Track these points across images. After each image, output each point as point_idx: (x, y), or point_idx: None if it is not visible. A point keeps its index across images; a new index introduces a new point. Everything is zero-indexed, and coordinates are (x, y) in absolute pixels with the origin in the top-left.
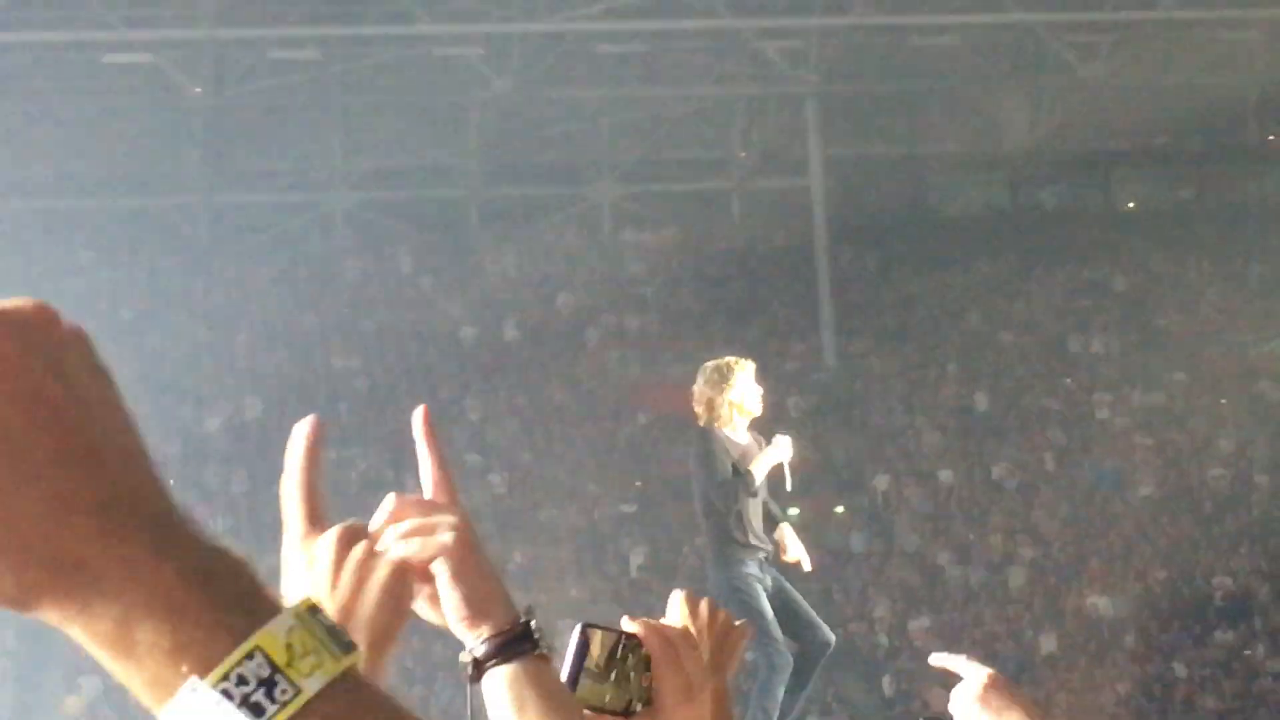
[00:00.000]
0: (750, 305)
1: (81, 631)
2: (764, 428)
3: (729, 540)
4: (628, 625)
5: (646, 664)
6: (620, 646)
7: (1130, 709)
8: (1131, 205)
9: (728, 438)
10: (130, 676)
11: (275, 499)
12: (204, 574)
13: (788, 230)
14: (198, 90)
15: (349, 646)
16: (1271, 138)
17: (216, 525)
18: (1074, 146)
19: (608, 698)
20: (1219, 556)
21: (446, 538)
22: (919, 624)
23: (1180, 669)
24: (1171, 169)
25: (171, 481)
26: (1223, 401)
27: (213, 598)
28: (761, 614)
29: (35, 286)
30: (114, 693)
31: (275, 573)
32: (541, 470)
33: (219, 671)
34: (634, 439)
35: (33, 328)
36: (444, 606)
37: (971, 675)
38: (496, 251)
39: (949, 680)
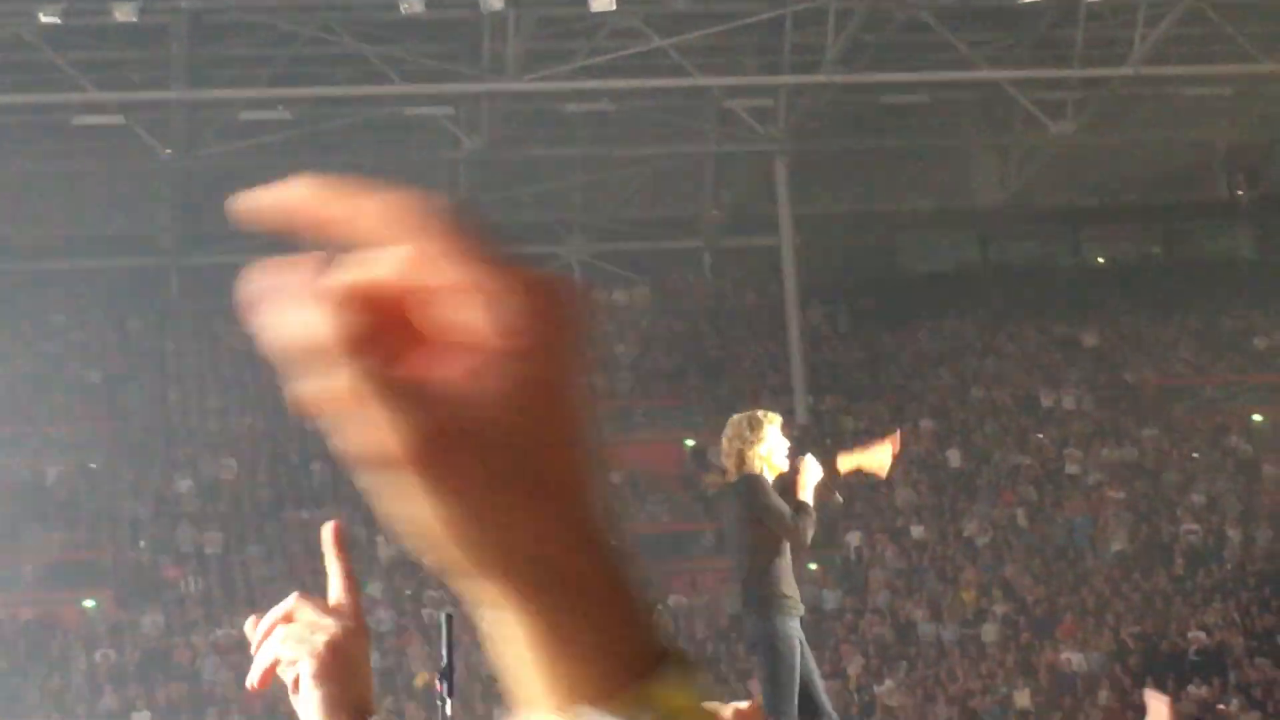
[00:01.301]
0: (721, 363)
1: (514, 620)
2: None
3: (776, 592)
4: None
5: None
6: None
7: None
8: (1101, 261)
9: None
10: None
11: (248, 559)
12: (628, 618)
13: (758, 288)
14: (168, 151)
15: None
16: (1240, 193)
17: (190, 586)
18: (1044, 203)
19: None
20: (1192, 611)
21: (318, 639)
22: (892, 681)
23: None
24: (1141, 225)
25: (143, 543)
26: (1194, 456)
27: (632, 635)
28: (791, 676)
29: (7, 348)
30: None
31: (246, 635)
32: None
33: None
34: None
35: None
36: (303, 704)
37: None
38: None
39: None
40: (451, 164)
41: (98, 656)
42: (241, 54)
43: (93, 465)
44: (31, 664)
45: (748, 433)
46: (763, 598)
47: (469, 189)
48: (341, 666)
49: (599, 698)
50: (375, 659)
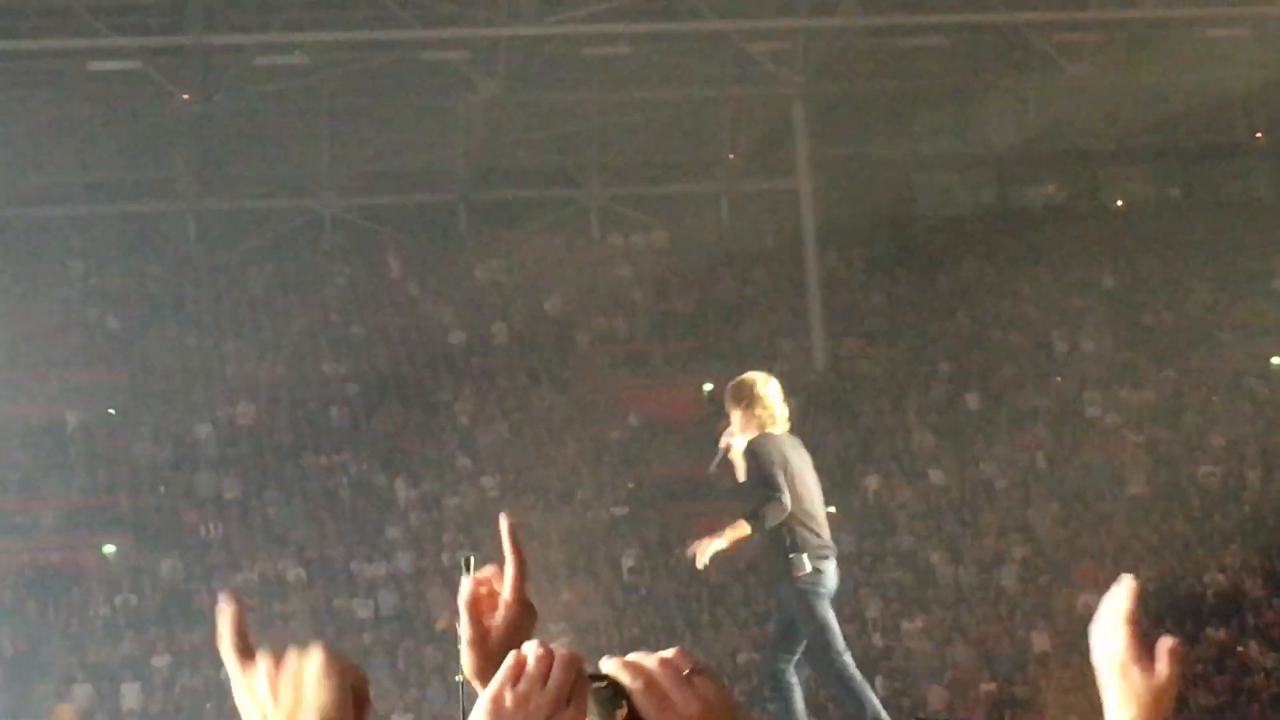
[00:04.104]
0: (739, 307)
1: None
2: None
3: (804, 541)
4: (605, 665)
5: (618, 696)
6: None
7: None
8: (1120, 204)
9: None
10: None
11: (267, 504)
12: None
13: (777, 232)
14: (185, 96)
15: None
16: (1259, 135)
17: (208, 531)
18: (1062, 145)
19: None
20: (1210, 554)
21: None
22: (912, 624)
23: None
24: (1159, 167)
25: (162, 488)
26: (1212, 399)
27: None
28: (825, 624)
29: (26, 295)
30: (105, 700)
31: (265, 578)
32: (532, 473)
33: None
34: (624, 441)
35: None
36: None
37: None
38: (485, 255)
39: (943, 679)
40: (468, 108)
41: (118, 601)
42: None
43: (112, 411)
44: (53, 609)
45: (745, 396)
46: (791, 548)
47: (485, 133)
48: (496, 640)
49: None
50: (395, 601)
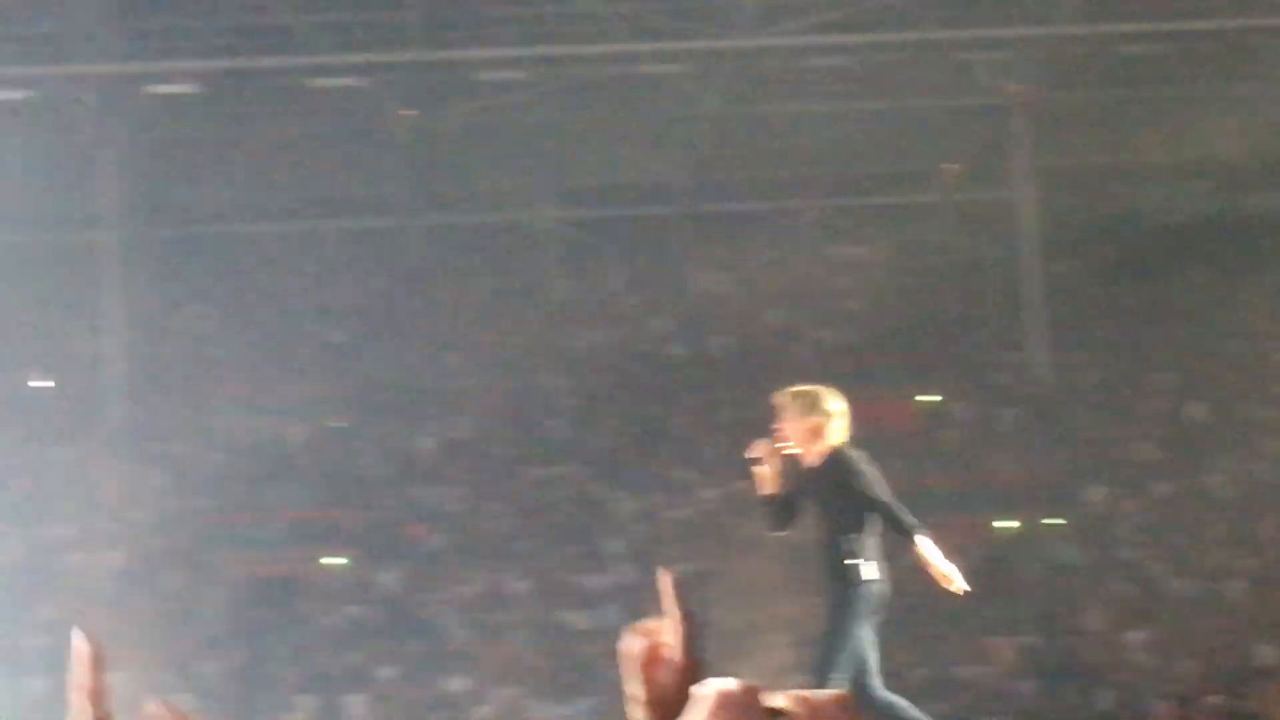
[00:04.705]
0: (959, 318)
1: None
2: (971, 439)
3: (872, 549)
4: (775, 700)
5: None
6: None
7: None
8: None
9: None
10: None
11: (490, 516)
12: None
13: (996, 242)
14: (409, 112)
15: None
16: None
17: (433, 543)
18: None
19: None
20: None
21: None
22: (1136, 636)
23: None
24: None
25: (385, 501)
26: None
27: None
28: (852, 639)
29: (252, 310)
30: (330, 711)
31: (489, 591)
32: (751, 486)
33: None
34: None
35: None
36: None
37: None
38: (704, 268)
39: (1167, 691)
40: (688, 121)
41: (342, 613)
42: (478, 14)
43: (339, 424)
44: (277, 621)
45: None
46: (848, 564)
47: (704, 146)
48: (670, 701)
49: None
50: (616, 614)
